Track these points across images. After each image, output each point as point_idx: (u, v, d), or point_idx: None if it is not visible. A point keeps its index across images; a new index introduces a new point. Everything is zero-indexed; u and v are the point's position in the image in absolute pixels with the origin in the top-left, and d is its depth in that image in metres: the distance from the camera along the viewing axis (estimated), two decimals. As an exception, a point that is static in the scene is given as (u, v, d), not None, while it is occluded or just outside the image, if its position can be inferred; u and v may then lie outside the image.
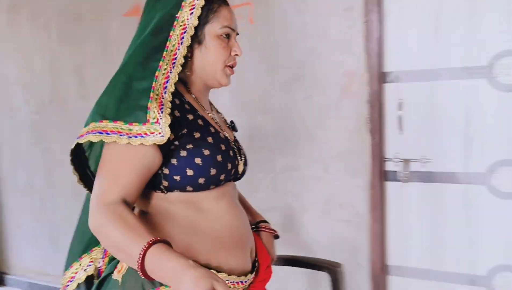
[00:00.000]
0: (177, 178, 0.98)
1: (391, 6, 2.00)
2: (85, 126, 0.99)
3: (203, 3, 1.04)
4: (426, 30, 1.95)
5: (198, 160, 0.98)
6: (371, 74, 1.99)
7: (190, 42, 1.03)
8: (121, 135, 0.92)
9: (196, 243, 1.00)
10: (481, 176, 1.92)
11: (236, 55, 1.10)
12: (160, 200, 1.02)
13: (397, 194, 2.09)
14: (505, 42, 1.82)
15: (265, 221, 1.32)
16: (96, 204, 0.92)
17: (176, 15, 1.03)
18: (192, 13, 1.03)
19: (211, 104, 1.20)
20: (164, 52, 1.00)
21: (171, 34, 1.01)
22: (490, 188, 1.91)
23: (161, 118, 0.92)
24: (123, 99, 0.95)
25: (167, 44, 1.01)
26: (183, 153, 0.98)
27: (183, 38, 1.02)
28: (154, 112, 0.93)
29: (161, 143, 0.92)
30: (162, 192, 1.01)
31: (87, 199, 1.16)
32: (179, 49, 1.01)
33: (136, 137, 0.92)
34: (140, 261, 0.84)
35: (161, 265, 0.84)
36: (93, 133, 0.94)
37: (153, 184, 1.00)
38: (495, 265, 1.93)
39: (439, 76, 1.95)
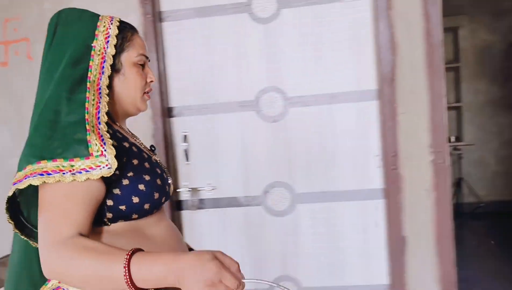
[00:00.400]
0: (123, 207, 0.97)
1: (169, 45, 2.15)
2: (20, 170, 0.93)
3: (116, 31, 1.05)
4: (203, 69, 2.14)
5: (141, 187, 0.99)
6: (155, 110, 2.09)
7: (110, 71, 1.02)
8: (64, 173, 0.88)
9: None
10: (258, 198, 2.15)
11: (152, 81, 1.13)
12: (104, 233, 0.98)
13: (190, 222, 2.20)
14: (265, 80, 2.11)
15: (192, 249, 1.32)
16: (51, 245, 0.85)
17: (92, 44, 1.02)
18: (108, 41, 1.03)
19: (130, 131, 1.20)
20: (88, 83, 0.98)
21: (90, 64, 1.00)
22: (266, 208, 2.15)
23: (105, 150, 0.91)
24: (56, 136, 0.91)
25: (88, 75, 0.99)
26: (126, 181, 0.97)
27: (103, 67, 1.01)
28: (96, 144, 0.91)
29: (108, 175, 0.91)
30: (106, 224, 0.98)
31: (15, 242, 1.08)
32: (101, 79, 1.00)
33: (80, 172, 0.89)
34: (127, 274, 0.81)
35: (150, 269, 0.81)
36: (33, 176, 0.89)
37: (95, 218, 0.95)
38: (278, 276, 2.16)
39: (218, 109, 2.15)
